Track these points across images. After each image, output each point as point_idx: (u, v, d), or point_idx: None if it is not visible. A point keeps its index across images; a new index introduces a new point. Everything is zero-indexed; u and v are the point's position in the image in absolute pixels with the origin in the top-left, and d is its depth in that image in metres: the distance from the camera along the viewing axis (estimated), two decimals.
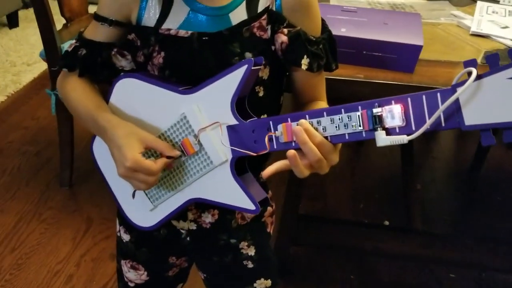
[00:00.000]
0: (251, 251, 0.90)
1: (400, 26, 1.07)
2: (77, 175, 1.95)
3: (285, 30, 0.74)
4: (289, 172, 1.50)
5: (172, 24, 0.74)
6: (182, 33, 0.74)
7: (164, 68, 0.76)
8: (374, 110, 0.62)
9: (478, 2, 1.53)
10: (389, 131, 0.62)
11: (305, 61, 0.75)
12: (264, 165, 0.85)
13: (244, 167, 0.76)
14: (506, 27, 1.32)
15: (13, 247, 1.66)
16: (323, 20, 0.78)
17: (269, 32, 0.75)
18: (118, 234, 0.95)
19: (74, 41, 0.81)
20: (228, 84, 0.70)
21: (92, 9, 1.84)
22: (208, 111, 0.72)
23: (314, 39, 0.76)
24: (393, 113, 0.61)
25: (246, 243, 0.90)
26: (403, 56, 1.02)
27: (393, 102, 0.61)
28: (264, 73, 0.77)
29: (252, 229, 0.90)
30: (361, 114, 0.63)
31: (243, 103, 0.72)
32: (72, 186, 1.93)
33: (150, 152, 0.76)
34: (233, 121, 0.71)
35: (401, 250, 1.70)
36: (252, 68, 0.68)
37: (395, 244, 1.72)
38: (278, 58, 0.77)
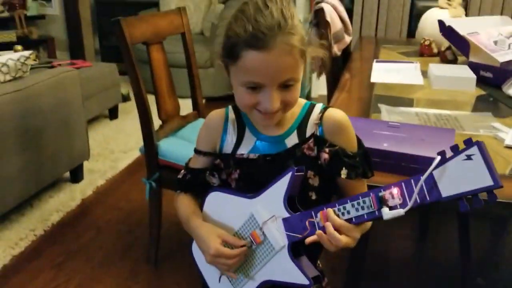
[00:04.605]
0: None
1: (435, 141, 1.27)
2: (162, 253, 2.19)
3: (327, 149, 0.99)
4: (351, 253, 1.64)
5: (244, 150, 1.04)
6: (252, 156, 1.03)
7: (239, 180, 1.04)
8: (380, 194, 0.86)
9: None
10: (392, 208, 0.86)
11: (344, 172, 0.98)
12: (321, 252, 1.08)
13: (299, 252, 1.00)
14: None
15: None
16: (359, 139, 1.03)
17: (315, 151, 1.00)
18: None
19: (183, 170, 1.14)
20: (280, 187, 0.96)
21: (182, 111, 2.20)
22: (268, 208, 0.98)
23: (351, 154, 0.99)
24: (392, 194, 0.85)
25: None
26: None
27: (392, 186, 0.86)
28: (315, 182, 1.01)
29: None
30: (371, 197, 0.87)
31: (294, 201, 0.98)
32: (158, 263, 2.16)
33: (225, 245, 1.01)
34: (286, 214, 0.96)
35: None
36: (296, 174, 0.94)
37: None
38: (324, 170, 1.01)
